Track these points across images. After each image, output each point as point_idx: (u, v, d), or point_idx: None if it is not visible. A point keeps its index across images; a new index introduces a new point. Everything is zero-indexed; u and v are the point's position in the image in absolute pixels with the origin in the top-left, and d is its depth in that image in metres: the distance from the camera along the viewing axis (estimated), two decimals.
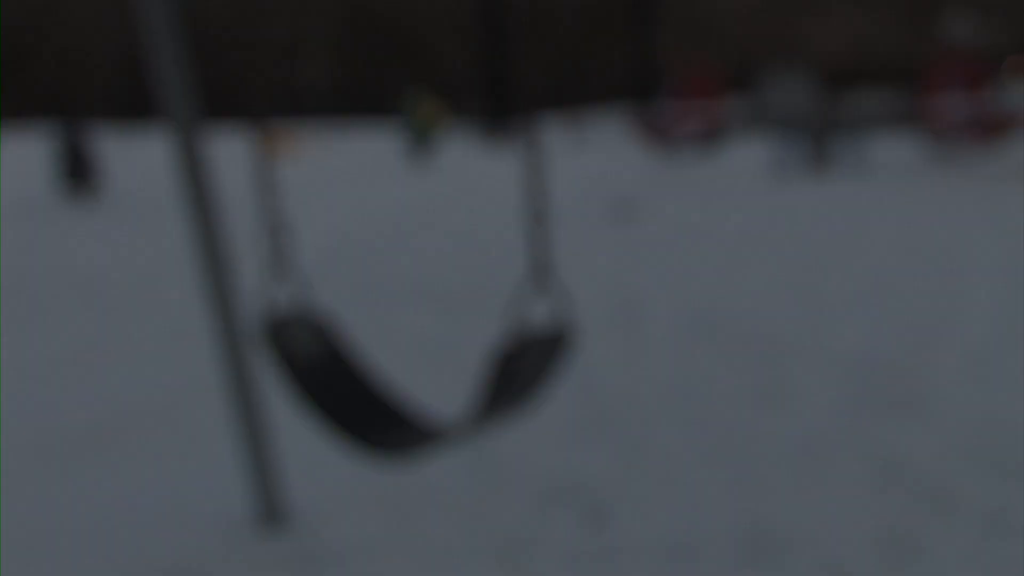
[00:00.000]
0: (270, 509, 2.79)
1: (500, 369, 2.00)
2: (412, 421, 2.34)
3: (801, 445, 3.26)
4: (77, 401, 3.94)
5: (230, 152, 22.48)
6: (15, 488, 3.12)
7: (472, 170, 16.70)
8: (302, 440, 3.50)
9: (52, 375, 4.37)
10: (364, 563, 2.53)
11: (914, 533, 2.59)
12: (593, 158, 18.48)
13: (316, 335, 2.39)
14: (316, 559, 2.62)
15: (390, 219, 9.59)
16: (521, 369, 2.04)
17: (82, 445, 3.48)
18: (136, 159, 20.61)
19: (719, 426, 3.48)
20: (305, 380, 2.32)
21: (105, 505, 2.96)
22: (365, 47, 48.46)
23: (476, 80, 37.79)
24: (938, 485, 2.81)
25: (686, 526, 2.70)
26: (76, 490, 3.11)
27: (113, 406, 3.79)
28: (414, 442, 2.23)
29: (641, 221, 8.65)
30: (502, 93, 26.01)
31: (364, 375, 2.41)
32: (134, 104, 37.44)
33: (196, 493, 3.05)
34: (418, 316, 5.37)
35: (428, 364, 4.47)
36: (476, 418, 2.04)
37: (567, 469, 3.13)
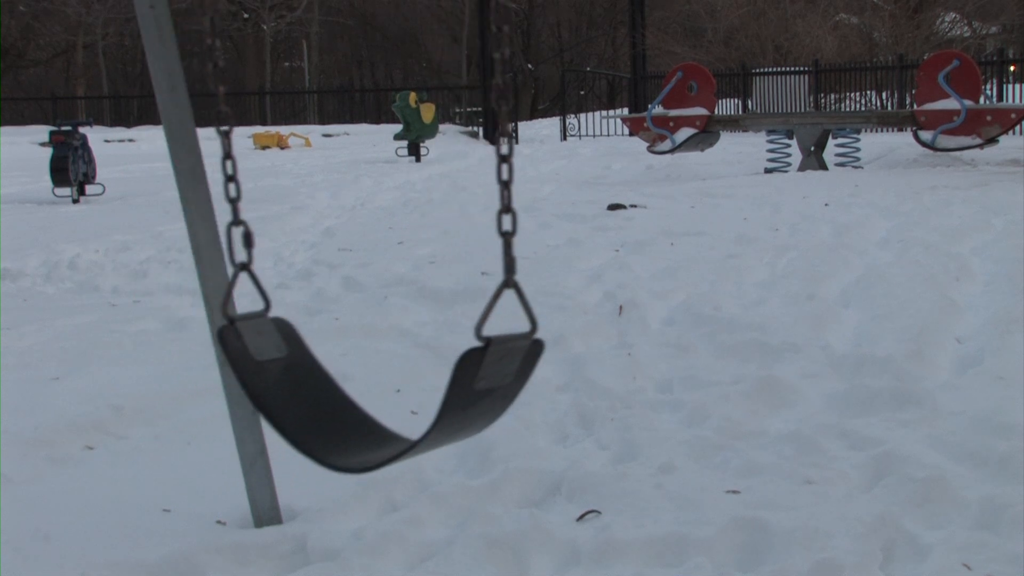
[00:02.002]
0: (262, 504, 2.79)
1: (465, 374, 1.95)
2: (374, 433, 2.28)
3: (796, 441, 3.26)
4: (71, 397, 3.94)
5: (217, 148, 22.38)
6: (9, 484, 3.11)
7: (464, 166, 16.69)
8: None
9: (47, 370, 4.36)
10: (357, 558, 2.53)
11: (909, 530, 2.60)
12: (589, 155, 18.48)
13: (278, 339, 2.36)
14: (309, 554, 2.62)
15: (382, 210, 9.58)
16: (489, 376, 1.99)
17: (75, 441, 3.47)
18: (127, 155, 20.57)
19: (715, 422, 3.48)
20: (262, 383, 2.25)
21: (97, 502, 2.96)
22: (357, 45, 48.40)
23: (470, 78, 37.75)
24: (934, 482, 2.81)
25: (681, 522, 2.70)
26: (68, 486, 3.11)
27: (107, 402, 3.78)
28: (374, 454, 2.15)
29: (637, 218, 8.65)
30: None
31: (326, 383, 2.36)
32: (125, 103, 37.36)
33: (189, 489, 3.05)
34: (413, 306, 5.36)
35: (425, 355, 4.47)
36: (439, 426, 1.97)
37: (561, 464, 3.13)
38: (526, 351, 2.05)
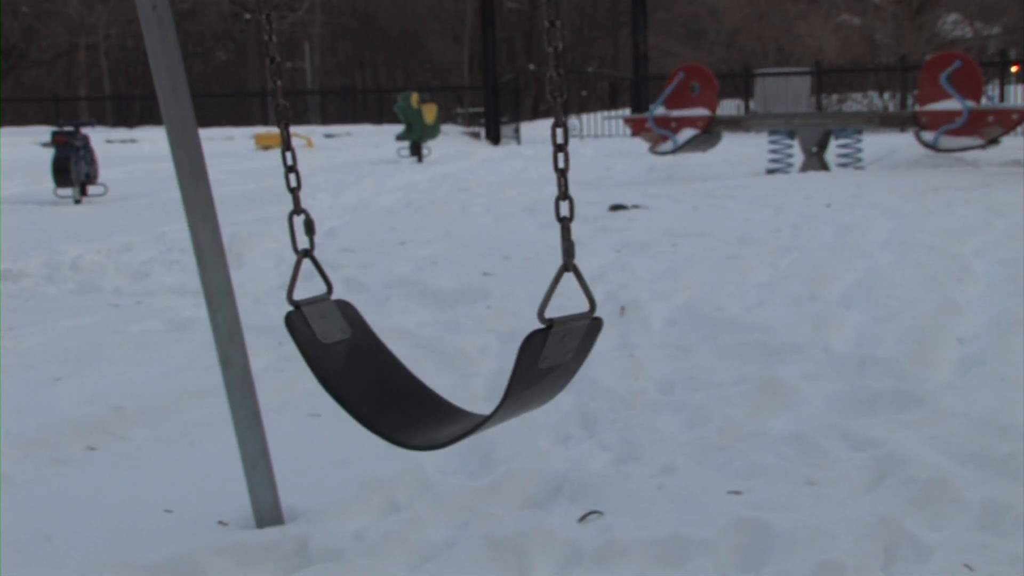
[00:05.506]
0: (264, 505, 2.79)
1: (530, 354, 2.02)
2: (441, 410, 2.34)
3: (798, 442, 3.26)
4: (72, 398, 3.94)
5: (219, 148, 22.45)
6: (10, 485, 3.12)
7: (466, 166, 16.70)
8: (297, 436, 3.50)
9: (49, 370, 4.36)
10: (359, 559, 2.53)
11: (911, 531, 2.60)
12: (591, 156, 18.48)
13: (342, 321, 2.42)
14: (311, 555, 2.62)
15: (384, 211, 9.59)
16: (552, 355, 2.06)
17: (77, 442, 3.47)
18: (129, 155, 20.59)
19: (717, 423, 3.48)
20: (330, 365, 2.32)
21: (98, 503, 2.96)
22: (359, 45, 48.40)
23: (472, 79, 37.74)
24: (935, 483, 2.81)
25: (683, 523, 2.70)
26: (70, 487, 3.11)
27: (109, 403, 3.78)
28: (443, 431, 2.23)
29: (639, 218, 8.65)
30: (497, 92, 25.97)
31: (391, 362, 2.42)
32: (127, 103, 37.39)
33: (191, 490, 3.05)
34: (414, 307, 5.36)
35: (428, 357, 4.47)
36: (505, 404, 2.04)
37: (563, 465, 3.13)
38: (586, 329, 2.12)
